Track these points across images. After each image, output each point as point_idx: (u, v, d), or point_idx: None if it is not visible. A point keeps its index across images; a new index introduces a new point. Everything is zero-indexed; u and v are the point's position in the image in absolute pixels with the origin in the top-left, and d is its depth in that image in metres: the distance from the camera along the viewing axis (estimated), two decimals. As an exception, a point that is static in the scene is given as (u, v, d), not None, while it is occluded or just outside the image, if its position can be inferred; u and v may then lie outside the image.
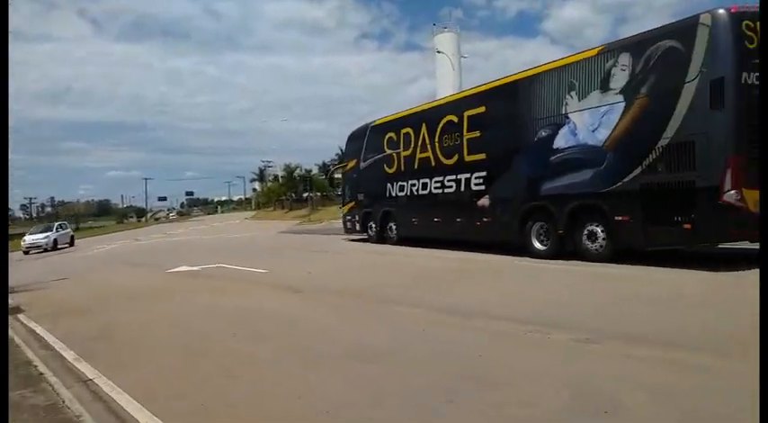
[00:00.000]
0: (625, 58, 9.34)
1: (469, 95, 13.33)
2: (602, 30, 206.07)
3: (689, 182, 8.40)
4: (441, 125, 13.84)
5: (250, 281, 10.74)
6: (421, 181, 14.75)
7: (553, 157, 10.71)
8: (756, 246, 8.13)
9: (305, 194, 49.21)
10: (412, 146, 15.04)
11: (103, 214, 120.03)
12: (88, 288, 11.81)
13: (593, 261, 9.91)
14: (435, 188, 14.20)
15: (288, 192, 61.41)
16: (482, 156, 12.56)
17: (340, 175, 20.22)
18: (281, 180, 67.32)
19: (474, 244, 13.15)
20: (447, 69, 50.09)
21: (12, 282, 15.41)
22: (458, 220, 13.42)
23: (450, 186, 13.62)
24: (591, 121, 9.94)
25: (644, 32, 9.35)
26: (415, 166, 14.94)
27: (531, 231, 11.38)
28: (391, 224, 16.47)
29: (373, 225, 17.35)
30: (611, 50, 9.72)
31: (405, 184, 15.50)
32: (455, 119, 13.37)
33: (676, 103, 8.47)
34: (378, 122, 17.19)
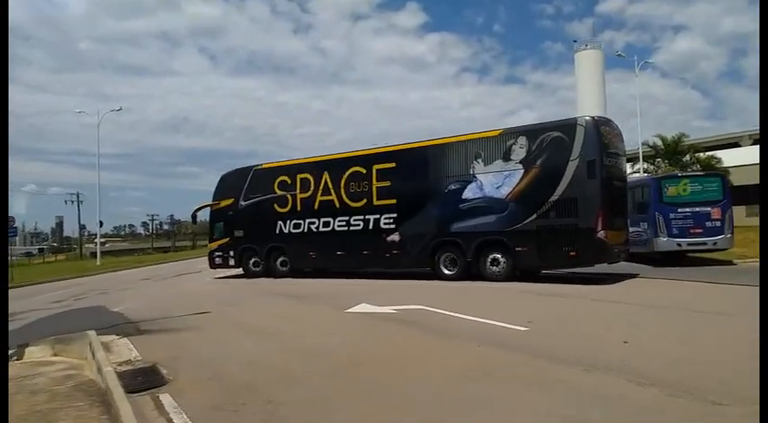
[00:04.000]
0: (523, 140, 13.65)
1: (379, 153, 16.40)
2: (717, 62, 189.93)
3: (573, 224, 12.90)
4: (347, 174, 16.56)
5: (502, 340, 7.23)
6: (322, 220, 17.11)
7: (462, 205, 14.44)
8: (597, 269, 13.15)
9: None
10: (312, 189, 17.34)
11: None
12: (253, 333, 8.98)
13: (493, 281, 13.80)
14: (339, 226, 16.74)
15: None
16: (392, 201, 15.69)
17: (204, 211, 20.95)
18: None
19: (370, 273, 16.21)
20: (588, 88, 48.26)
21: (127, 310, 12.31)
22: (364, 252, 16.23)
23: (357, 225, 16.35)
24: (495, 181, 13.98)
25: (536, 124, 13.90)
26: (315, 207, 17.24)
27: (440, 260, 14.89)
28: (282, 258, 18.26)
29: (257, 260, 18.81)
30: (510, 133, 13.97)
31: (301, 222, 17.60)
32: (362, 170, 16.28)
33: (563, 172, 12.97)
34: (264, 166, 18.96)
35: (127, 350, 7.84)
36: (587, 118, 13.03)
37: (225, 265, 19.69)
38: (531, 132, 13.68)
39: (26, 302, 16.20)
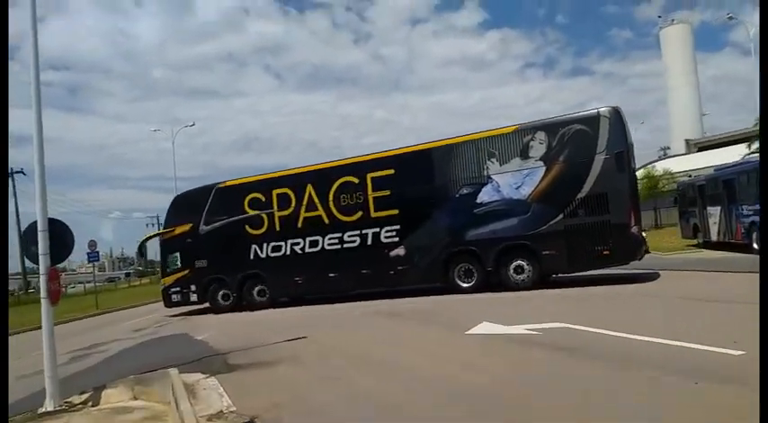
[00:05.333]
0: (541, 135, 12.88)
1: (372, 160, 14.93)
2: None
3: (605, 221, 12.21)
4: (335, 186, 14.95)
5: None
6: (308, 239, 15.28)
7: (477, 210, 13.37)
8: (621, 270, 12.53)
9: None
10: (293, 206, 15.50)
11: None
12: (366, 366, 7.15)
13: (517, 290, 12.76)
14: (331, 244, 15.01)
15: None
16: (393, 211, 14.28)
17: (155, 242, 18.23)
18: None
19: (370, 293, 14.65)
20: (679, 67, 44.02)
21: (212, 338, 11.27)
22: (363, 271, 14.61)
23: (353, 241, 14.74)
24: (514, 181, 13.07)
25: (553, 118, 13.17)
26: (299, 226, 15.41)
27: (455, 272, 13.65)
28: (259, 287, 16.12)
29: (227, 292, 16.51)
30: (526, 129, 13.15)
31: (281, 244, 15.65)
32: (354, 179, 14.76)
33: (590, 167, 12.32)
34: (228, 184, 16.81)
35: (216, 396, 6.06)
36: (610, 108, 12.51)
37: (184, 301, 17.13)
38: (549, 127, 12.95)
39: (109, 331, 16.35)
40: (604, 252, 12.23)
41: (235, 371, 7.57)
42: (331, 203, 15.03)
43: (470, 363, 6.54)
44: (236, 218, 16.22)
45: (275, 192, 15.81)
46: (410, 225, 14.18)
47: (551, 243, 12.60)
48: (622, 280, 12.45)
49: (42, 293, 6.74)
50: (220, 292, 16.63)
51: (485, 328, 8.40)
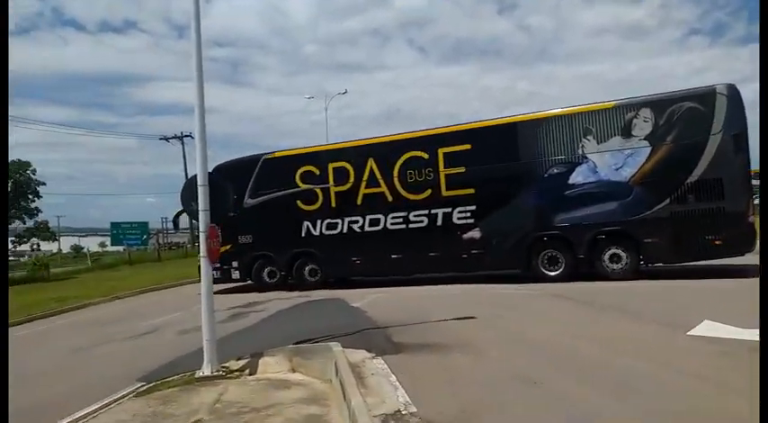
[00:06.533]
0: (646, 112, 11.64)
1: (447, 133, 13.58)
2: None
3: (718, 208, 11.07)
4: (401, 160, 13.62)
5: None
6: (369, 217, 13.99)
7: (569, 192, 12.15)
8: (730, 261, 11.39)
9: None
10: (351, 181, 14.17)
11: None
12: (567, 366, 5.60)
13: (614, 280, 11.62)
14: (394, 224, 13.73)
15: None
16: (469, 190, 13.01)
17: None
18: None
19: (425, 279, 13.42)
20: None
21: (369, 306, 10.71)
22: (431, 254, 13.39)
23: (420, 221, 13.47)
24: (613, 162, 11.85)
25: (661, 94, 11.86)
26: (358, 202, 14.10)
27: (539, 259, 12.46)
28: (311, 266, 14.84)
29: (273, 270, 15.22)
30: (629, 105, 11.89)
31: (337, 221, 14.34)
32: (423, 155, 13.44)
33: (703, 149, 11.13)
34: (278, 155, 15.40)
35: (389, 387, 5.04)
36: (727, 85, 11.29)
37: (224, 278, 15.78)
38: (656, 104, 11.70)
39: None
40: (716, 242, 11.10)
41: (402, 352, 6.53)
42: (395, 180, 13.71)
43: (724, 382, 4.75)
44: (286, 192, 14.86)
45: (331, 165, 14.45)
46: (488, 206, 12.94)
47: (654, 230, 11.45)
48: (713, 273, 11.29)
49: (201, 251, 6.48)
50: (266, 270, 15.34)
51: (708, 328, 6.63)
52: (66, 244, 67.41)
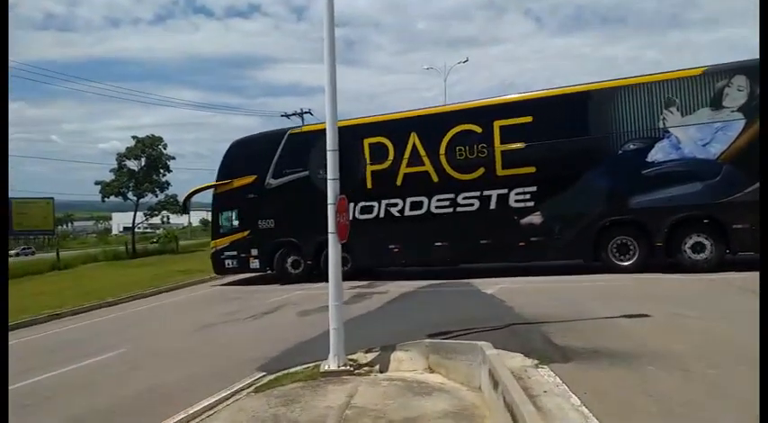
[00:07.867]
0: (741, 80, 10.16)
1: (503, 104, 12.09)
2: None
3: (826, 190, 9.57)
4: (449, 135, 12.08)
5: None
6: (409, 200, 12.45)
7: (646, 171, 10.66)
8: None
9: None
10: (390, 159, 12.61)
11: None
12: None
13: (698, 272, 10.13)
14: (439, 207, 12.20)
15: None
16: (528, 169, 11.50)
17: (205, 196, 15.17)
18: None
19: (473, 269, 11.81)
20: None
21: (505, 294, 9.31)
22: (482, 241, 11.86)
23: (470, 204, 11.94)
24: (700, 136, 10.36)
25: (757, 59, 10.38)
26: (398, 183, 12.55)
27: (608, 247, 10.95)
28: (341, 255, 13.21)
29: (298, 259, 13.62)
30: (720, 72, 10.41)
31: (373, 204, 12.77)
32: (476, 128, 11.91)
33: (810, 122, 9.64)
34: (306, 129, 13.87)
35: (575, 414, 3.52)
36: (836, 50, 9.82)
37: (241, 268, 14.23)
38: (752, 70, 10.19)
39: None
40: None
41: (572, 360, 4.93)
42: (442, 157, 12.17)
43: None
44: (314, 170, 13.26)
45: (367, 141, 12.89)
46: (550, 187, 11.42)
47: (746, 215, 9.96)
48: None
49: (330, 227, 5.68)
50: (290, 259, 13.75)
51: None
52: (195, 218, 67.21)
